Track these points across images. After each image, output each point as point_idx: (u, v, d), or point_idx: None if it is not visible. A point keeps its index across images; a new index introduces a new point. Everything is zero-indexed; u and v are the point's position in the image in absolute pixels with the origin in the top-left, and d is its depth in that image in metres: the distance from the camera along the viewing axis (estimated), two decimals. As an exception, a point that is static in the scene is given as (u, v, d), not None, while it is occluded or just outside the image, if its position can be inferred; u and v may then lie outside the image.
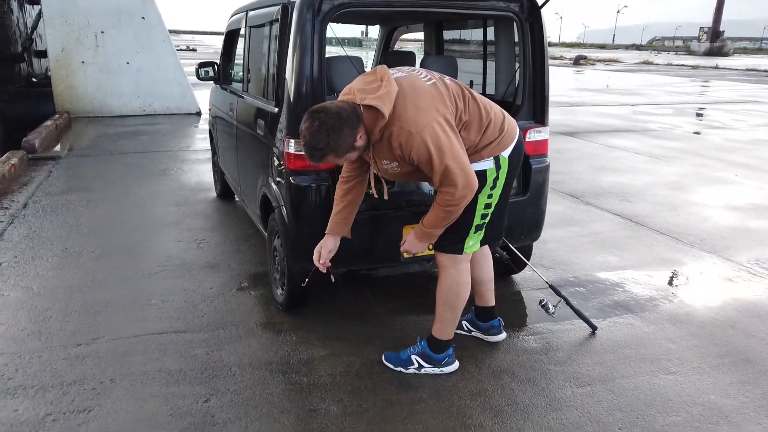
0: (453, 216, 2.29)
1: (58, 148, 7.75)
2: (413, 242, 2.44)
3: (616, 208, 5.23)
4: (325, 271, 2.57)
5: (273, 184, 3.00)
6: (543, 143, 3.18)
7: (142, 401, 2.36)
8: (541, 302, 2.98)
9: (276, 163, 2.92)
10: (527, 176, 3.13)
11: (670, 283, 3.65)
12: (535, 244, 3.53)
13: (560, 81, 21.36)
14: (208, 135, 5.69)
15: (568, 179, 6.25)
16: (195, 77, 4.89)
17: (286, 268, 2.97)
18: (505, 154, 2.42)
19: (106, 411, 2.30)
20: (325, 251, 2.53)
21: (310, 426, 2.24)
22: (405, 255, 2.74)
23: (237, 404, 2.35)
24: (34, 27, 12.84)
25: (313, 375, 2.57)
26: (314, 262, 2.55)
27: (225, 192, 5.20)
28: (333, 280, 2.67)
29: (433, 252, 2.57)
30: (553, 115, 10.27)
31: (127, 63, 10.44)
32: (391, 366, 2.63)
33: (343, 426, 2.23)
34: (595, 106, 13.61)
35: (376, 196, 2.56)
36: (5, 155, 6.33)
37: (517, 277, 3.65)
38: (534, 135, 3.11)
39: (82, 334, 2.89)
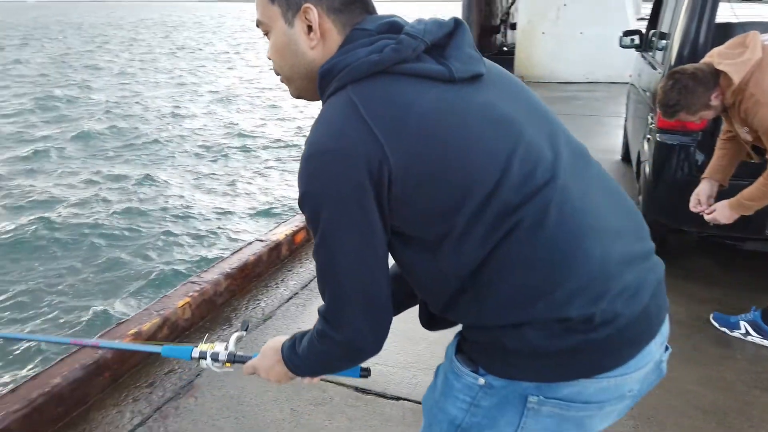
0: None
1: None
2: (723, 210, 2.41)
3: None
4: (709, 216, 2.46)
5: (645, 142, 3.30)
6: None
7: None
8: None
9: (650, 121, 3.22)
10: None
11: None
12: None
13: None
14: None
15: None
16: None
17: (642, 219, 3.27)
18: None
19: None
20: (703, 196, 2.52)
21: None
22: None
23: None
24: (513, 2, 14.93)
25: (636, 309, 2.91)
26: (691, 207, 2.54)
27: (628, 155, 5.51)
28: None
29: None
30: None
31: (581, 33, 11.26)
32: (716, 325, 2.72)
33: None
34: None
35: (753, 160, 2.56)
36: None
37: None
38: None
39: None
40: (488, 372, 0.97)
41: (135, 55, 30.54)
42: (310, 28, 0.98)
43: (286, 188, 8.76)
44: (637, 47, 5.07)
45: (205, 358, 1.31)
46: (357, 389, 2.34)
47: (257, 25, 1.05)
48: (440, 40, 0.95)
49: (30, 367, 4.06)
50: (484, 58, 1.01)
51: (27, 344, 4.25)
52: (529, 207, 0.90)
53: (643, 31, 5.02)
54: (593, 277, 0.91)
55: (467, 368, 1.00)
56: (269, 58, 1.06)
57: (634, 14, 11.47)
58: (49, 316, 4.93)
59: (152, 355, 2.54)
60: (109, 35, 46.03)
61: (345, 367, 1.10)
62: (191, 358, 1.32)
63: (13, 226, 7.06)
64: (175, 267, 6.05)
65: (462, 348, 1.03)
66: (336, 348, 1.01)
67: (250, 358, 1.25)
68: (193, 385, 2.38)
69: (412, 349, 2.59)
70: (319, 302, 1.00)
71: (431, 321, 1.11)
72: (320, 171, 0.89)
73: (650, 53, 4.48)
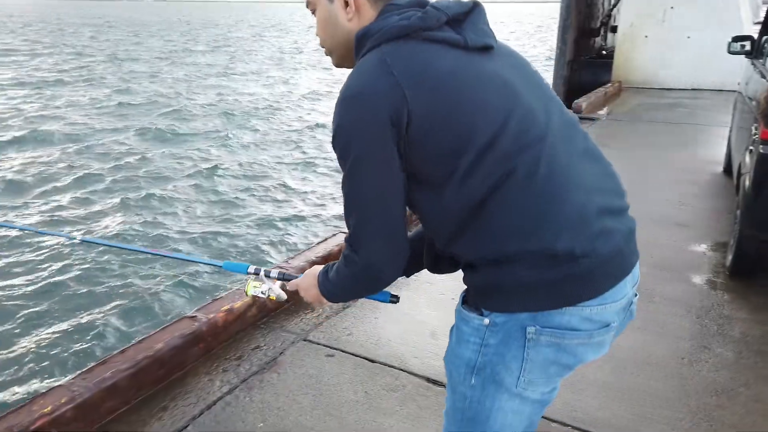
0: None
1: (601, 111, 8.95)
2: None
3: None
4: None
5: (747, 153, 3.14)
6: None
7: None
8: None
9: (753, 131, 3.05)
10: None
11: None
12: None
13: None
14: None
15: None
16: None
17: (738, 233, 3.12)
18: None
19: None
20: None
21: (696, 356, 2.56)
22: None
23: (645, 317, 2.87)
24: (615, 4, 14.36)
25: (725, 327, 2.78)
26: None
27: (731, 167, 5.20)
28: None
29: None
30: None
31: (688, 37, 10.65)
32: (814, 350, 2.56)
33: (724, 368, 2.46)
34: None
35: None
36: (558, 112, 7.92)
37: None
38: None
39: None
40: (491, 311, 1.13)
41: (251, 54, 32.21)
42: (346, 4, 1.18)
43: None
44: (748, 54, 4.78)
45: (259, 274, 1.49)
46: (428, 380, 2.42)
47: (306, 6, 1.27)
48: (459, 15, 1.14)
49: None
50: (498, 40, 1.19)
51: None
52: (522, 158, 1.07)
53: (756, 36, 4.73)
54: (575, 220, 1.08)
55: (473, 313, 1.15)
56: (317, 35, 1.27)
57: (752, 18, 10.69)
58: (151, 292, 5.41)
59: (241, 331, 2.76)
60: (226, 35, 48.77)
61: (367, 292, 1.27)
62: (247, 273, 1.52)
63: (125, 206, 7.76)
64: (267, 253, 6.45)
65: (466, 300, 1.19)
66: (359, 272, 1.17)
67: (296, 277, 1.43)
68: (277, 361, 2.55)
69: (485, 347, 2.64)
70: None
71: (435, 264, 1.29)
72: (352, 111, 1.07)
73: (761, 60, 4.21)
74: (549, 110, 1.15)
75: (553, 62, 12.39)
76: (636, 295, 1.21)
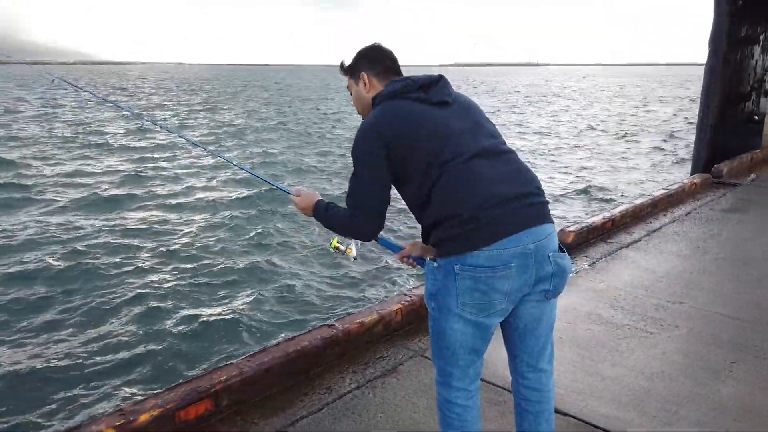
0: None
1: (747, 177, 8.54)
2: None
3: None
4: None
5: None
6: None
7: (689, 350, 3.27)
8: None
9: None
10: None
11: None
12: None
13: None
14: None
15: None
16: None
17: None
18: None
19: (665, 337, 3.35)
20: None
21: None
22: None
23: (757, 367, 2.92)
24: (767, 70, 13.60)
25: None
26: None
27: None
28: None
29: None
30: None
31: None
32: None
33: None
34: None
35: None
36: (694, 176, 7.74)
37: None
38: None
39: (670, 297, 3.95)
40: (437, 257, 1.81)
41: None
42: (365, 84, 2.05)
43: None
44: None
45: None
46: (528, 399, 2.71)
47: (347, 88, 2.12)
48: (429, 83, 1.92)
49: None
50: (458, 93, 1.97)
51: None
52: (449, 167, 1.80)
53: None
54: (479, 199, 1.75)
55: (431, 261, 1.85)
56: (353, 105, 2.12)
57: None
58: (298, 303, 6.23)
59: (369, 342, 3.24)
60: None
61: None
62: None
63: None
64: (395, 281, 7.26)
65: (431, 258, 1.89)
66: (349, 222, 1.96)
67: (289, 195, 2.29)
68: (397, 369, 2.99)
69: (585, 380, 2.87)
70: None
71: (424, 238, 1.94)
72: (363, 137, 1.88)
73: None
74: (477, 138, 1.85)
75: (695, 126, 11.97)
76: (563, 250, 1.83)
